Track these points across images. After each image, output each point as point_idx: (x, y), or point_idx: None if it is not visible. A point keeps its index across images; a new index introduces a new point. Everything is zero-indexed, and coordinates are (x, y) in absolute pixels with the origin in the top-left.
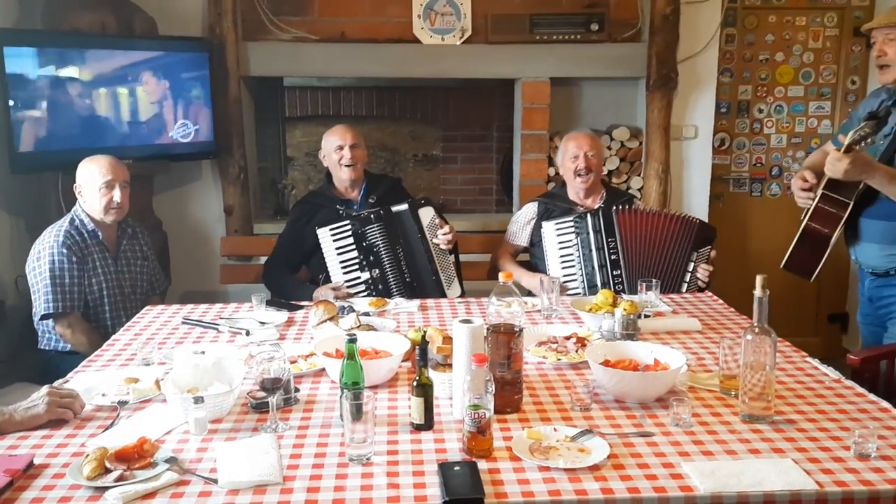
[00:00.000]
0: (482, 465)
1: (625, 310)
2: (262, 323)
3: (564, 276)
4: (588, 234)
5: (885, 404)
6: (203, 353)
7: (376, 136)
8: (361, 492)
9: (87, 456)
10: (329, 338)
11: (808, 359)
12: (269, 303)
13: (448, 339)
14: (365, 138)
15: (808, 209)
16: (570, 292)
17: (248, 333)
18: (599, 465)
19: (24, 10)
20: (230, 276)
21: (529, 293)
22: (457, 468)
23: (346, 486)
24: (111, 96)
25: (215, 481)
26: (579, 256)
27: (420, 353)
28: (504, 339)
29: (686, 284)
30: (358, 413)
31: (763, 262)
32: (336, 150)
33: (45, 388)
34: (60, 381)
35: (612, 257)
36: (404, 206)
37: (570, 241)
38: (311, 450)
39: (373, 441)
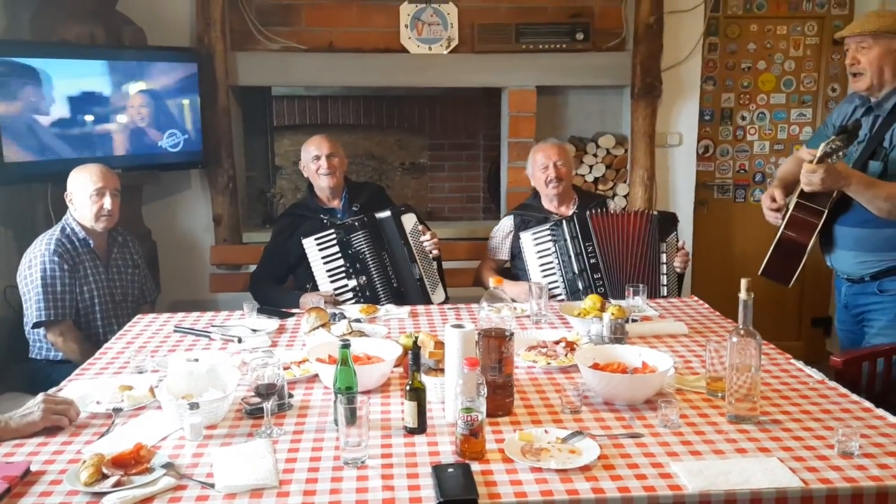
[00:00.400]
0: (475, 466)
1: (613, 314)
2: (254, 330)
3: (547, 283)
4: (566, 240)
5: (868, 404)
6: (196, 360)
7: (364, 144)
8: (357, 494)
9: (85, 462)
10: (322, 344)
11: (793, 361)
12: (260, 310)
13: (440, 344)
14: (352, 147)
15: (784, 217)
16: (553, 300)
17: (240, 341)
18: (590, 465)
19: (12, 20)
20: (219, 284)
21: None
22: (450, 470)
23: (342, 488)
24: (100, 106)
25: (212, 486)
26: (559, 263)
27: (413, 358)
28: (495, 343)
29: (665, 276)
30: (352, 417)
31: (747, 267)
32: (314, 160)
33: (40, 396)
34: (54, 389)
35: (592, 261)
36: (387, 213)
37: (549, 248)
38: (307, 454)
39: (367, 445)
